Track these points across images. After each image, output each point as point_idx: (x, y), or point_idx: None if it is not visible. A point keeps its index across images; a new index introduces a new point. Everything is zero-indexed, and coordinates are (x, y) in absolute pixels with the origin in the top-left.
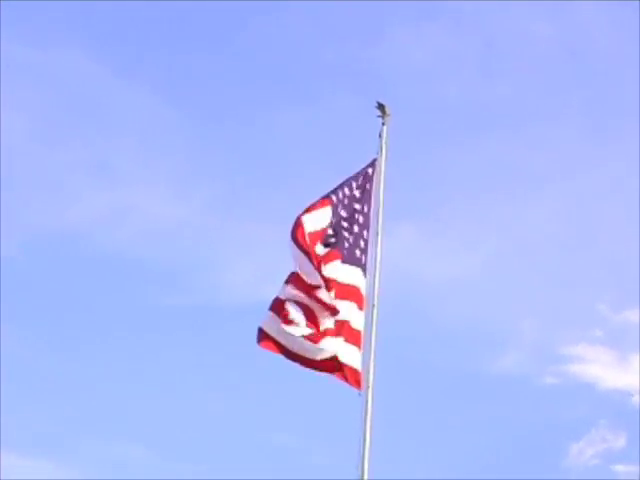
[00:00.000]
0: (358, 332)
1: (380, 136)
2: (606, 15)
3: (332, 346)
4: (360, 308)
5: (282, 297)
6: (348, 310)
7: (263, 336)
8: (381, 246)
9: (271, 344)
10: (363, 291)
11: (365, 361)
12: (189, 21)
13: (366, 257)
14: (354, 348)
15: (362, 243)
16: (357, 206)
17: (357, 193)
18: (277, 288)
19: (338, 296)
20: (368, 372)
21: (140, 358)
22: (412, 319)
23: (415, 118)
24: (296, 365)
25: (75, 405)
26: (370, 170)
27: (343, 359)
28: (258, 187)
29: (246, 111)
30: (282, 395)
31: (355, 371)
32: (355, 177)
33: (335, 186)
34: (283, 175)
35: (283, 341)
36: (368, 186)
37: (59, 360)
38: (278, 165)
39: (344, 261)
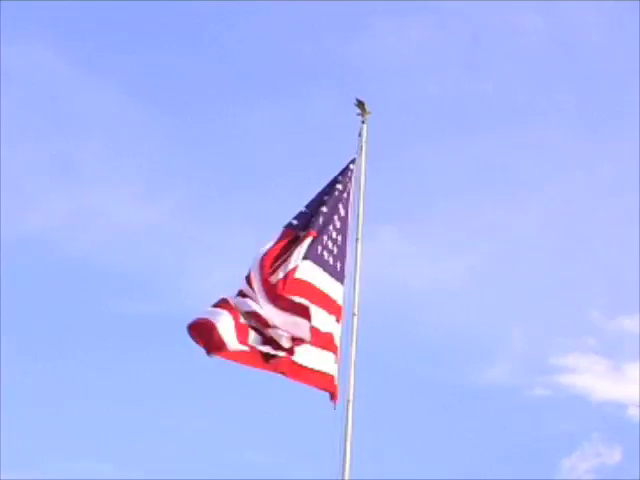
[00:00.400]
0: (330, 335)
1: (360, 135)
2: (599, 7)
3: (303, 355)
4: (336, 317)
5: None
6: (321, 317)
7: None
8: (362, 252)
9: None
10: (340, 301)
11: (345, 373)
12: (159, 15)
13: (343, 264)
14: (328, 354)
15: (336, 249)
16: (340, 208)
17: (339, 204)
18: None
19: (312, 301)
20: (348, 385)
21: (106, 370)
22: (395, 328)
23: (396, 116)
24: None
25: (39, 420)
26: (349, 171)
27: (316, 366)
28: (232, 189)
29: (219, 109)
30: (255, 409)
31: (329, 377)
32: (332, 182)
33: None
34: (259, 176)
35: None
36: (345, 188)
37: (18, 372)
38: (254, 165)
39: (321, 268)
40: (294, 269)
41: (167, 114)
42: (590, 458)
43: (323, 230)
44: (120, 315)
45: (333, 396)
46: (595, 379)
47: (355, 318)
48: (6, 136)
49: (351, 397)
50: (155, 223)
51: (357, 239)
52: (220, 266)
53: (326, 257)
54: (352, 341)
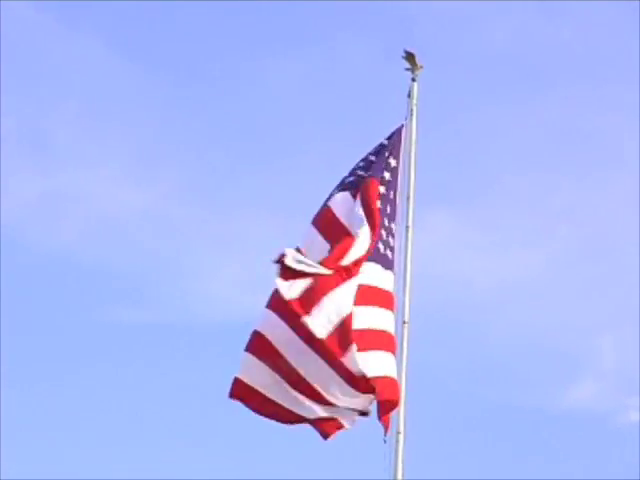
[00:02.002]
0: (391, 337)
1: (409, 96)
2: None
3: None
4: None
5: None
6: (377, 317)
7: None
8: (412, 243)
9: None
10: (392, 290)
11: None
12: None
13: (393, 255)
14: (387, 355)
15: (390, 238)
16: (382, 190)
17: (385, 174)
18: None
19: (362, 302)
20: (398, 411)
21: (89, 387)
22: (453, 339)
23: (452, 71)
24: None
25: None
26: (396, 141)
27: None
28: (243, 166)
29: (225, 64)
30: (274, 439)
31: (392, 382)
32: (377, 151)
33: (352, 167)
34: (276, 150)
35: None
36: (394, 162)
37: None
38: (270, 136)
39: (370, 259)
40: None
41: (161, 73)
42: None
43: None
44: (106, 324)
45: (385, 425)
46: None
47: (405, 327)
48: None
49: (402, 428)
50: (148, 210)
51: (407, 227)
52: (229, 262)
53: (382, 250)
54: (402, 356)
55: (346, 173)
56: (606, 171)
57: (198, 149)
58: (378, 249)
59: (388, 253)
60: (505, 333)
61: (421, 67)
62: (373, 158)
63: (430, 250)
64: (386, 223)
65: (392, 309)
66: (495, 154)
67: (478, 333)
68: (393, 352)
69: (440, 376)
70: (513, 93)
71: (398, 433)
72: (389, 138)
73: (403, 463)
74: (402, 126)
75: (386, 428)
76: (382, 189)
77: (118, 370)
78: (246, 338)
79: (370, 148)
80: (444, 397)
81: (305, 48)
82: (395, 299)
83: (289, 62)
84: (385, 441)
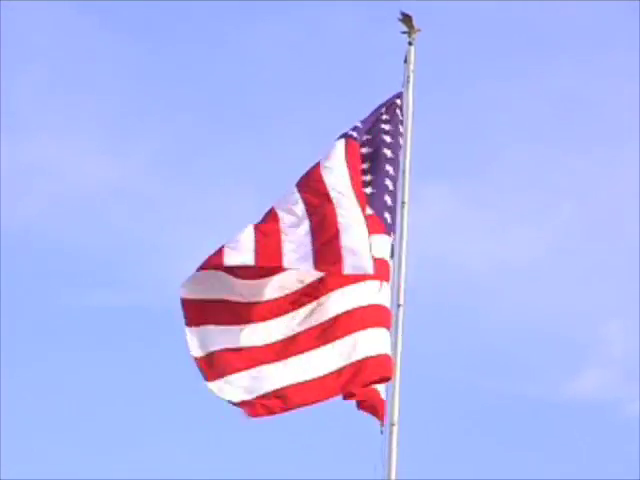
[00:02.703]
0: (382, 308)
1: (406, 61)
2: None
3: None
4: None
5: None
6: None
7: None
8: (407, 220)
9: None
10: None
11: (387, 387)
12: None
13: (394, 217)
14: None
15: (392, 203)
16: (387, 152)
17: (386, 136)
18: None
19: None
20: (393, 402)
21: (56, 376)
22: (450, 323)
23: (453, 36)
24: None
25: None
26: (394, 107)
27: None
28: (225, 136)
29: (204, 28)
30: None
31: (385, 359)
32: (378, 111)
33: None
34: (261, 118)
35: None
36: (390, 136)
37: None
38: (254, 104)
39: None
40: None
41: (135, 35)
42: None
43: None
44: (76, 308)
45: (380, 415)
46: None
47: (401, 310)
48: None
49: (396, 418)
50: (120, 184)
51: (403, 203)
52: (210, 241)
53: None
54: (397, 341)
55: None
56: (612, 145)
57: (175, 119)
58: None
59: (387, 216)
60: (505, 318)
61: (418, 30)
62: (362, 125)
63: (426, 228)
64: (390, 186)
65: (387, 280)
66: (496, 125)
67: (477, 317)
68: (388, 327)
69: (437, 363)
70: (515, 61)
71: (392, 425)
72: (386, 106)
73: (397, 456)
74: (399, 93)
75: (382, 418)
76: (389, 152)
77: (91, 357)
78: None
79: (361, 117)
80: (441, 385)
81: (291, 10)
82: (390, 269)
83: (273, 25)
84: (382, 432)
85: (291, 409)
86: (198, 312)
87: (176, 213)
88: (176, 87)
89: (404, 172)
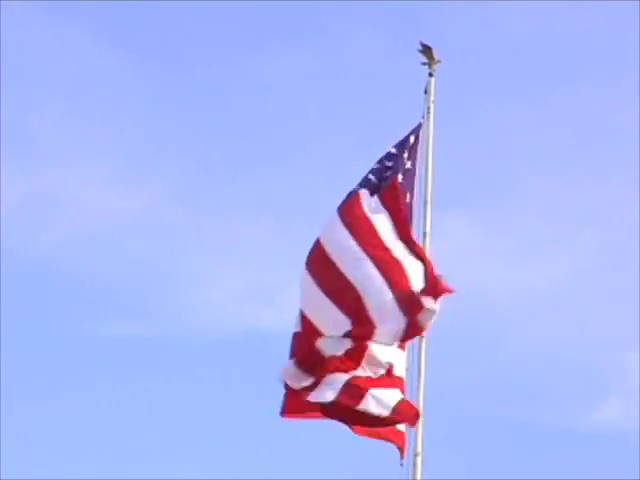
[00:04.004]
0: (400, 379)
1: (426, 92)
2: None
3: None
4: (402, 347)
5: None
6: (391, 350)
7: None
8: (430, 249)
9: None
10: None
11: None
12: None
13: None
14: (393, 392)
15: None
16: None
17: (400, 177)
18: (274, 311)
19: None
20: (415, 433)
21: (77, 406)
22: (471, 353)
23: (468, 66)
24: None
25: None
26: (413, 140)
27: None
28: (243, 167)
29: (224, 59)
30: (285, 458)
31: (398, 431)
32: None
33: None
34: (280, 149)
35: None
36: (410, 165)
37: None
38: (272, 135)
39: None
40: None
41: (154, 68)
42: None
43: None
44: (94, 337)
45: (401, 449)
46: None
47: (423, 342)
48: None
49: (420, 449)
50: (140, 214)
51: (425, 234)
52: (230, 270)
53: None
54: (420, 373)
55: (355, 176)
56: (632, 170)
57: (194, 150)
58: None
59: None
60: (526, 346)
61: (439, 61)
62: (389, 164)
63: (446, 258)
64: None
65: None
66: (514, 154)
67: (498, 346)
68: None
69: (455, 395)
70: (533, 88)
71: (416, 455)
72: (404, 140)
73: None
74: (420, 125)
75: (402, 450)
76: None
77: (112, 387)
78: (244, 351)
79: (380, 150)
80: (463, 416)
81: (311, 41)
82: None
83: (293, 56)
84: (402, 464)
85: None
86: None
87: (196, 243)
88: (196, 117)
89: (426, 203)
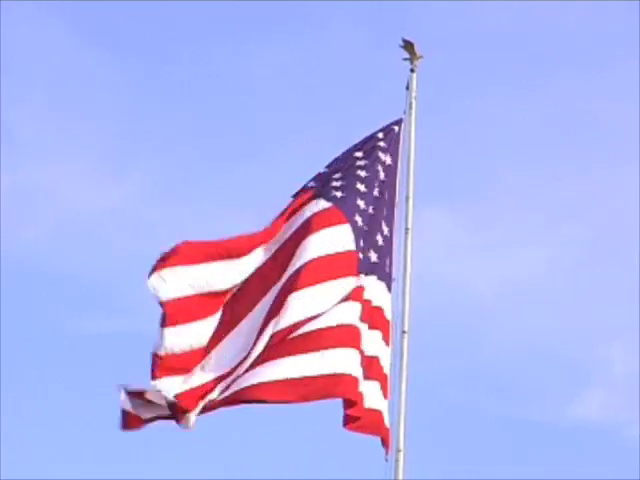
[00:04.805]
0: (375, 360)
1: (408, 88)
2: None
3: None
4: (382, 335)
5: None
6: (377, 343)
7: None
8: (412, 246)
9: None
10: (388, 314)
11: (393, 412)
12: None
13: (391, 262)
14: (374, 385)
15: (383, 243)
16: (375, 192)
17: (381, 173)
18: None
19: (368, 322)
20: (398, 429)
21: (55, 404)
22: (453, 347)
23: (443, 58)
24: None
25: None
26: (393, 136)
27: (368, 404)
28: (224, 160)
29: (205, 51)
30: (269, 458)
31: (378, 416)
32: (368, 145)
33: (336, 156)
34: (260, 143)
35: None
36: (389, 160)
37: None
38: (252, 128)
39: (362, 271)
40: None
41: (132, 62)
42: None
43: (362, 214)
44: (75, 333)
45: (385, 442)
46: None
47: (405, 337)
48: None
49: (402, 445)
50: (120, 208)
51: (407, 229)
52: None
53: (369, 253)
54: (402, 368)
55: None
56: (613, 163)
57: (174, 143)
58: (368, 257)
59: (384, 262)
60: (507, 339)
61: (420, 57)
62: (360, 154)
63: (426, 253)
64: (384, 228)
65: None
66: (494, 147)
67: (479, 341)
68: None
69: (437, 390)
70: (512, 81)
71: (398, 451)
72: (384, 132)
73: None
74: (401, 120)
75: (386, 445)
76: (376, 191)
77: (82, 381)
78: None
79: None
80: (445, 410)
81: (290, 34)
82: (387, 314)
83: (272, 51)
84: (387, 460)
85: (235, 403)
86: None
87: (176, 237)
88: (175, 110)
89: (407, 199)
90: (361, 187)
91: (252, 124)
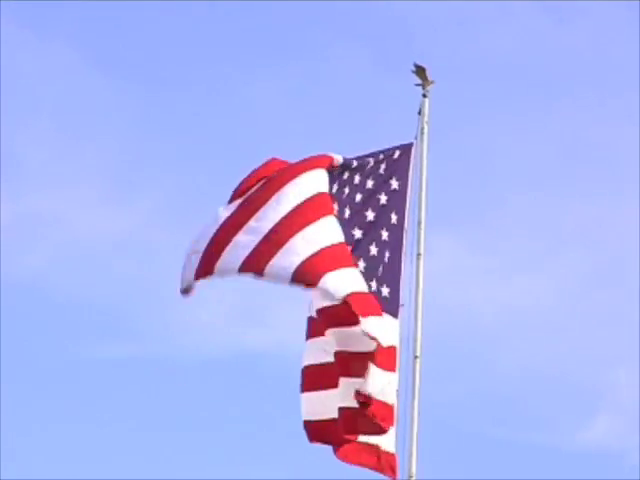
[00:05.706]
0: (391, 407)
1: (420, 113)
2: None
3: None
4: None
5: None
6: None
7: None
8: (423, 273)
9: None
10: (395, 341)
11: (403, 438)
12: None
13: (397, 291)
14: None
15: (388, 272)
16: (371, 217)
17: (382, 197)
18: (262, 331)
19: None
20: (410, 454)
21: (67, 429)
22: (462, 373)
23: (457, 85)
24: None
25: None
26: (403, 161)
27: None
28: (231, 186)
29: (210, 78)
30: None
31: (389, 455)
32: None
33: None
34: None
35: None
36: (396, 185)
37: None
38: (258, 154)
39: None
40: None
41: (140, 87)
42: None
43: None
44: (84, 360)
45: (393, 473)
46: None
47: (417, 362)
48: None
49: (414, 472)
50: (125, 234)
51: (419, 255)
52: (217, 289)
53: (385, 293)
54: (414, 394)
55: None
56: (619, 189)
57: (180, 169)
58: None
59: (387, 291)
60: (513, 365)
61: (432, 82)
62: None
63: (436, 278)
64: (384, 252)
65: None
66: (499, 172)
67: (485, 365)
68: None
69: (448, 415)
70: (518, 106)
71: (410, 477)
72: (385, 154)
73: None
74: (410, 145)
75: (393, 474)
76: (372, 216)
77: (99, 408)
78: (236, 372)
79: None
80: (453, 437)
81: (298, 59)
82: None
83: (281, 74)
84: None
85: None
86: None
87: (180, 263)
88: (179, 136)
89: (419, 224)
90: (368, 213)
91: (260, 149)
